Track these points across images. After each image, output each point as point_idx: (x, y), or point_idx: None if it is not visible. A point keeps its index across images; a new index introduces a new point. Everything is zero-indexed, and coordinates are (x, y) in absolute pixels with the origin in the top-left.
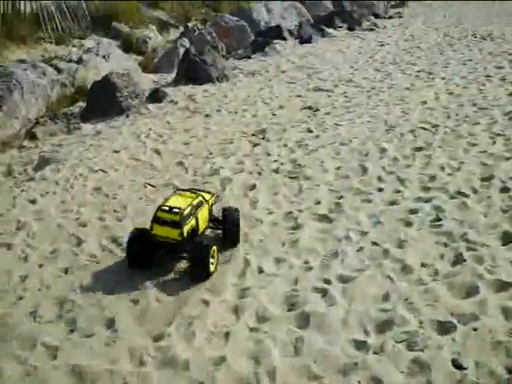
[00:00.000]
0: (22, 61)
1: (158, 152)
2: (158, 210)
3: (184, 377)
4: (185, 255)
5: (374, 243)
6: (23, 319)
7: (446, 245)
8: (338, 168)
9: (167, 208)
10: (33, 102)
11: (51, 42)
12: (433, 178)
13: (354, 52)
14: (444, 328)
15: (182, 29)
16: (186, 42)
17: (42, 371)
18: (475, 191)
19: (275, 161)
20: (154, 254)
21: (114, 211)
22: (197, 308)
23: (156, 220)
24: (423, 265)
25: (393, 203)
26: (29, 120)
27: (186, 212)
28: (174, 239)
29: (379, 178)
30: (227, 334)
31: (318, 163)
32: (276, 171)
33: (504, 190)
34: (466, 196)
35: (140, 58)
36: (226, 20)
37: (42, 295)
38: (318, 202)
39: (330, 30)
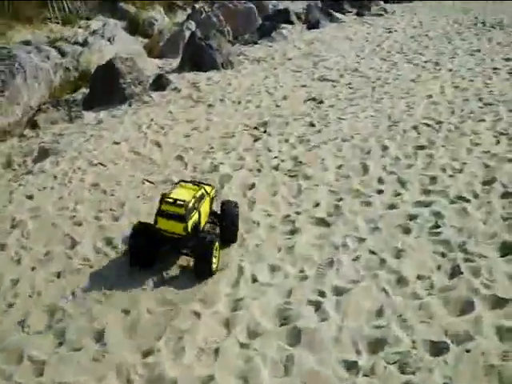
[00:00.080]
0: (27, 42)
1: (158, 145)
2: (162, 203)
3: None
4: (187, 251)
5: (371, 252)
6: (12, 329)
7: (443, 255)
8: (339, 167)
9: (171, 200)
10: (36, 88)
11: (57, 23)
12: (434, 179)
13: (361, 39)
14: (437, 349)
15: (189, 10)
16: (193, 25)
17: None
18: (476, 196)
19: (276, 157)
20: (158, 250)
21: (111, 210)
22: (188, 321)
23: (160, 213)
24: (419, 277)
25: (392, 207)
26: (30, 107)
27: (190, 205)
28: (178, 234)
29: (380, 179)
30: (217, 351)
31: (319, 161)
32: (276, 168)
33: (505, 195)
34: (467, 201)
35: (146, 40)
36: (234, 2)
37: (33, 302)
38: (317, 204)
39: (339, 15)
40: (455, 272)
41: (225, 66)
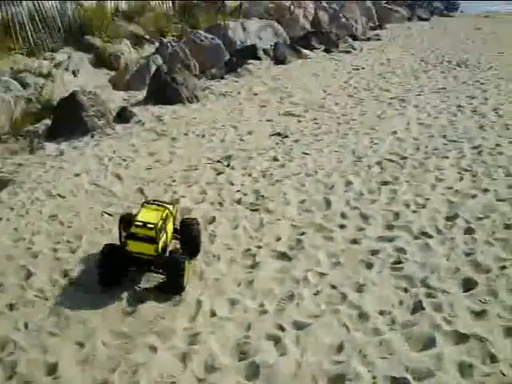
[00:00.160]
0: None
1: (119, 177)
2: (131, 226)
3: None
4: (158, 270)
5: (332, 286)
6: None
7: (405, 290)
8: (302, 201)
9: (141, 223)
10: None
11: (22, 54)
12: (397, 215)
13: (329, 75)
14: None
15: (157, 44)
16: (159, 59)
17: None
18: (439, 231)
19: (238, 191)
20: (126, 271)
21: (68, 242)
22: (143, 354)
23: (131, 236)
24: (381, 312)
25: (354, 242)
26: None
27: (159, 227)
28: (149, 255)
29: (342, 214)
30: None
31: (282, 195)
32: (238, 202)
33: (468, 230)
34: (430, 237)
35: (112, 73)
36: (201, 37)
37: None
38: (279, 239)
39: (307, 52)
40: (417, 307)
41: (190, 100)
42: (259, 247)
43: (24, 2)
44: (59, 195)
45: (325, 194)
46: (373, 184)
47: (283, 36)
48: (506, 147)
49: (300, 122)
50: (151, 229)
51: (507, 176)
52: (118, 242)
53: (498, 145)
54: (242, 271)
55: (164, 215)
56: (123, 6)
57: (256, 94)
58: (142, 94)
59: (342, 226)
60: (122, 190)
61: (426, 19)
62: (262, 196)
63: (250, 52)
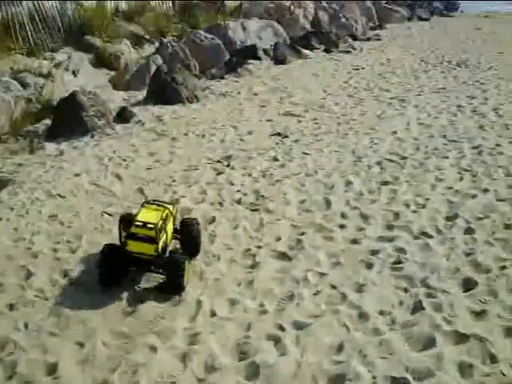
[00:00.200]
0: None
1: (119, 177)
2: (131, 226)
3: None
4: (158, 270)
5: (332, 286)
6: None
7: (405, 290)
8: (302, 201)
9: (141, 223)
10: None
11: (22, 54)
12: (397, 215)
13: (329, 75)
14: None
15: (157, 44)
16: (159, 59)
17: None
18: (439, 231)
19: (238, 191)
20: (126, 271)
21: (68, 242)
22: (143, 354)
23: (131, 236)
24: (381, 312)
25: (354, 242)
26: None
27: (159, 227)
28: (149, 255)
29: (342, 214)
30: None
31: (282, 195)
32: (238, 202)
33: (468, 230)
34: (430, 237)
35: (112, 73)
36: (201, 37)
37: None
38: (279, 239)
39: (307, 52)
40: (417, 307)
41: (190, 100)
42: (259, 247)
43: (24, 2)
44: (59, 195)
45: (325, 194)
46: (373, 184)
47: (283, 36)
48: (506, 147)
49: (300, 121)
50: (151, 229)
51: (507, 176)
52: (118, 242)
53: (498, 145)
54: (242, 271)
55: (164, 215)
56: (123, 6)
57: (256, 94)
58: (142, 94)
59: (342, 226)
60: (122, 190)
61: (426, 19)
62: (262, 196)
63: (250, 52)
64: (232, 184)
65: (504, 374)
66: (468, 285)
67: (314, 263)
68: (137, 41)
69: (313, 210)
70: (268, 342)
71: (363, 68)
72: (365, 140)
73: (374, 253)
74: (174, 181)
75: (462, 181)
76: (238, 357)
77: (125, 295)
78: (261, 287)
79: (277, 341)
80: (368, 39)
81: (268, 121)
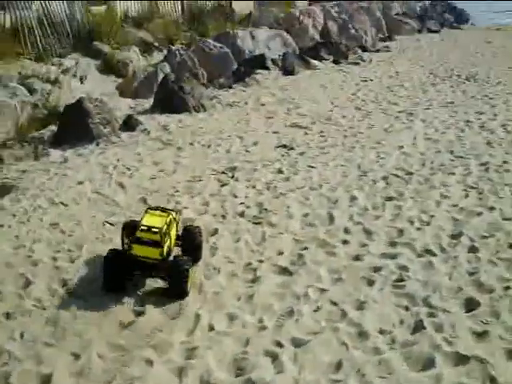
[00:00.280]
0: None
1: (122, 186)
2: (136, 231)
3: None
4: (161, 275)
5: (333, 303)
6: None
7: (407, 309)
8: (305, 215)
9: (146, 228)
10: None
11: (30, 59)
12: (401, 232)
13: (337, 87)
14: None
15: (165, 52)
16: (166, 67)
17: None
18: (443, 249)
19: (241, 203)
20: (131, 275)
21: (69, 250)
22: (139, 368)
23: (136, 240)
24: (381, 331)
25: (357, 258)
26: None
27: (164, 231)
28: (154, 259)
29: (346, 229)
30: None
31: (285, 208)
32: (241, 215)
33: (472, 249)
34: (433, 255)
35: (120, 80)
36: (210, 46)
37: None
38: (281, 253)
39: (316, 62)
40: (418, 327)
41: (197, 110)
42: (260, 261)
43: (33, 7)
44: (62, 203)
45: (329, 209)
46: (377, 199)
47: (292, 46)
48: None
49: (306, 134)
50: (156, 233)
51: None
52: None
53: (505, 162)
54: (243, 285)
55: (168, 220)
56: (133, 11)
57: (263, 105)
58: (149, 102)
59: (344, 242)
60: (125, 200)
61: (436, 31)
62: (266, 209)
63: (259, 62)
64: (235, 196)
65: None
66: (470, 305)
67: (315, 279)
68: (146, 48)
69: (316, 224)
70: (265, 359)
71: (371, 80)
72: (371, 154)
73: (377, 270)
74: (178, 191)
75: (468, 198)
76: (234, 373)
77: (122, 307)
78: (261, 302)
79: (274, 357)
80: (377, 51)
81: (274, 132)
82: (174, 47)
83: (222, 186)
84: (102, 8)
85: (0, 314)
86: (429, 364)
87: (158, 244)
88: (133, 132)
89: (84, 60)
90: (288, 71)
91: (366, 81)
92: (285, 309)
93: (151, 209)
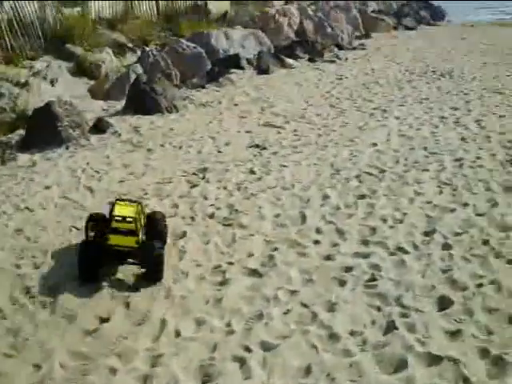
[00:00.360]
0: None
1: (91, 190)
2: (111, 221)
3: None
4: (134, 262)
5: (303, 305)
6: None
7: (378, 309)
8: (277, 215)
9: (120, 218)
10: None
11: (0, 62)
12: (373, 230)
13: (312, 85)
14: None
15: (139, 53)
16: (139, 69)
17: None
18: (416, 247)
19: (212, 205)
20: (105, 264)
21: (33, 257)
22: (102, 376)
23: (112, 231)
24: (352, 332)
25: (328, 258)
26: None
27: (137, 220)
28: (130, 247)
29: (317, 229)
30: None
31: (256, 209)
32: (211, 217)
33: (445, 246)
34: (406, 252)
35: (92, 82)
36: (183, 46)
37: None
38: (251, 255)
39: (291, 61)
40: (390, 327)
41: (169, 110)
42: (230, 263)
43: (5, 8)
44: (27, 208)
45: (301, 209)
46: (350, 198)
47: (267, 45)
48: (486, 160)
49: (280, 133)
50: (131, 222)
51: (487, 190)
52: None
53: (478, 157)
54: (211, 289)
55: (138, 210)
56: (107, 13)
57: (237, 105)
58: (121, 104)
59: (316, 242)
60: (93, 204)
61: (412, 28)
62: (236, 210)
63: (233, 61)
64: (206, 198)
65: None
66: (443, 303)
67: (286, 280)
68: (119, 49)
69: (287, 224)
70: (233, 364)
71: (347, 78)
72: (344, 152)
73: (348, 269)
74: (147, 194)
75: (442, 194)
76: (201, 380)
77: (86, 314)
78: (229, 306)
79: (242, 363)
80: (354, 48)
81: (247, 132)
82: (147, 48)
83: (193, 187)
84: (75, 10)
85: None
86: (401, 365)
87: (133, 232)
88: (103, 134)
89: (56, 62)
90: (263, 70)
91: (341, 79)
92: (254, 312)
93: (119, 200)
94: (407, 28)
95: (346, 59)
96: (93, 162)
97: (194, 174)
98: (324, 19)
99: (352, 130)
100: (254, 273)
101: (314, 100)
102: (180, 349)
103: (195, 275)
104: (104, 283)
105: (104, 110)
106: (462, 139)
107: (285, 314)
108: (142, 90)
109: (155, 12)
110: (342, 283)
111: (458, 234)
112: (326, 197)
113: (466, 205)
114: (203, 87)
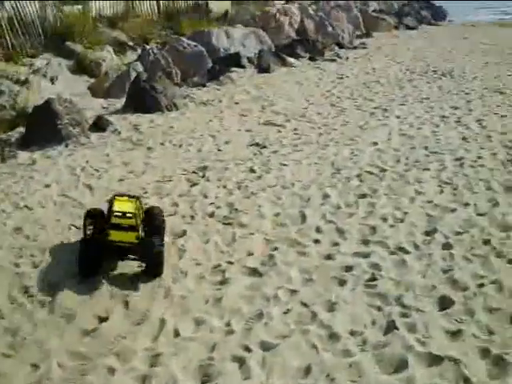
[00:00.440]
0: None
1: (90, 188)
2: (111, 217)
3: None
4: (135, 257)
5: (303, 304)
6: None
7: (379, 309)
8: (277, 215)
9: (120, 214)
10: None
11: (0, 59)
12: (374, 229)
13: (312, 84)
14: None
15: (140, 51)
16: (139, 67)
17: None
18: (416, 247)
19: (211, 203)
20: (105, 260)
21: (32, 256)
22: (101, 376)
23: (112, 226)
24: (352, 332)
25: (328, 257)
26: None
27: (137, 215)
28: (130, 242)
29: (318, 228)
30: None
31: (256, 208)
32: (211, 215)
33: (446, 246)
34: (406, 252)
35: (92, 80)
36: (184, 45)
37: None
38: (251, 254)
39: (291, 60)
40: (390, 327)
41: (169, 109)
42: (230, 263)
43: (6, 6)
44: (27, 207)
45: (301, 208)
46: (350, 197)
47: (268, 43)
48: (487, 159)
49: (280, 131)
50: (131, 218)
51: (488, 189)
52: None
53: (479, 157)
54: (211, 288)
55: (137, 205)
56: (107, 12)
57: (237, 103)
58: (121, 102)
59: (316, 241)
60: (92, 202)
61: (413, 28)
62: (236, 209)
63: (234, 60)
64: (206, 196)
65: None
66: (444, 303)
67: (286, 280)
68: (120, 47)
69: (287, 223)
70: (233, 364)
71: (348, 77)
72: (345, 151)
73: (348, 269)
74: (146, 192)
75: (442, 194)
76: (200, 380)
77: (85, 313)
78: (229, 305)
79: (242, 363)
80: (354, 48)
81: (247, 130)
82: (148, 46)
83: (192, 186)
84: (75, 8)
85: None
86: (401, 366)
87: (133, 228)
88: (103, 133)
89: (56, 60)
90: (263, 69)
91: (342, 78)
92: (254, 312)
93: (118, 195)
94: (408, 27)
95: (347, 58)
96: (92, 160)
97: (193, 172)
98: (325, 18)
99: (353, 129)
100: (254, 272)
101: (315, 99)
102: (179, 349)
103: (195, 274)
104: (103, 281)
105: (104, 108)
106: (463, 139)
107: (285, 313)
108: (143, 88)
109: (156, 11)
110: (342, 283)
111: (458, 234)
112: (326, 196)
113: (466, 204)
114: (204, 86)
